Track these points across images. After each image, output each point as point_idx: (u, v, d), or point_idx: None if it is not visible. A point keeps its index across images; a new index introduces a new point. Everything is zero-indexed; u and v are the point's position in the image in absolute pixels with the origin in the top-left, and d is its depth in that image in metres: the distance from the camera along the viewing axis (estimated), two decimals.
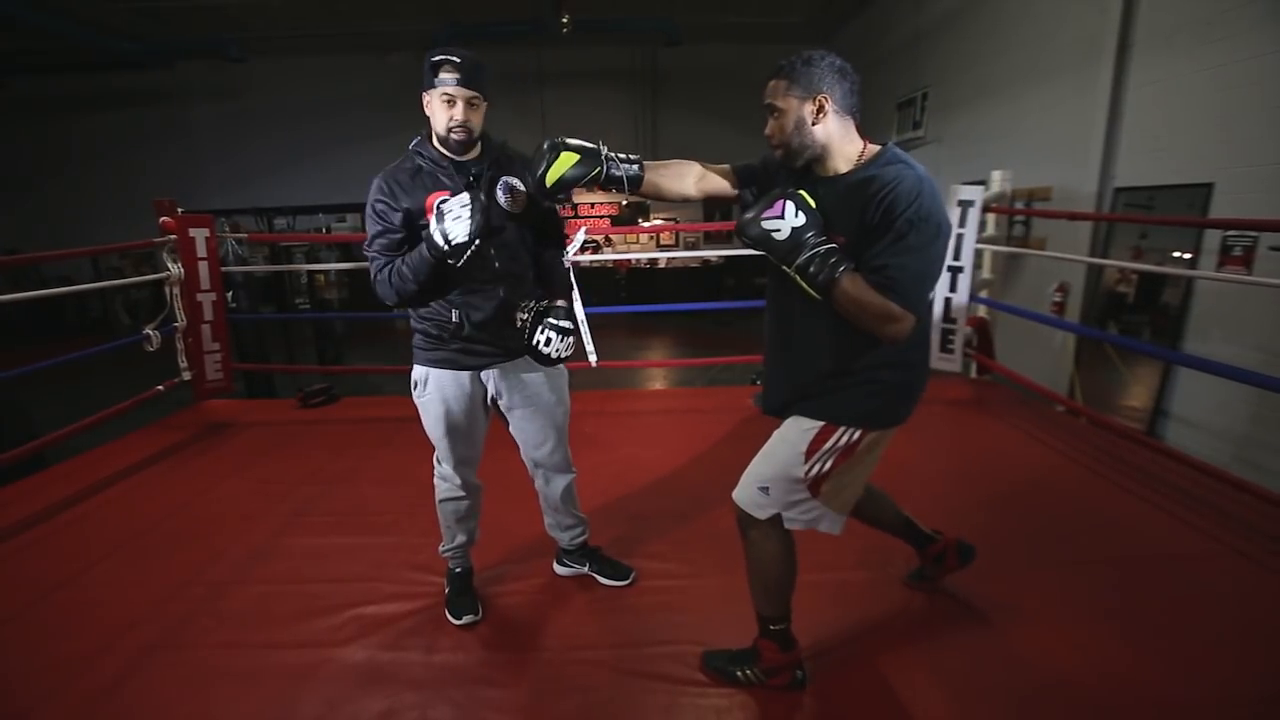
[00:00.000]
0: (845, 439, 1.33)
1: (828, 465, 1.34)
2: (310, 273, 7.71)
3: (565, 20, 7.68)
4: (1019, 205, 4.89)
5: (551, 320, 1.60)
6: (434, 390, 1.64)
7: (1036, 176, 4.87)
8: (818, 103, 1.23)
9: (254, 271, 4.94)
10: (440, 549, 1.84)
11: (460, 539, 1.81)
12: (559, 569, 1.95)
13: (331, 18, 8.68)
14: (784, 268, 1.23)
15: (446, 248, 1.40)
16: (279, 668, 1.59)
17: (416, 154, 1.56)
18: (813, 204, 1.22)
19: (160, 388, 3.26)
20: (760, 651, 1.49)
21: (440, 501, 1.78)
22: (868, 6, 8.39)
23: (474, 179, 1.55)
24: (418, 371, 1.66)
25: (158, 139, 10.48)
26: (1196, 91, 3.73)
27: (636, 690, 1.50)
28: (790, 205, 1.20)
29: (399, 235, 1.52)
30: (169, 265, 3.25)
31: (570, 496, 1.86)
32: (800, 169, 1.32)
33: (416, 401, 1.68)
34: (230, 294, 5.23)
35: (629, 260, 10.19)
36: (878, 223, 1.19)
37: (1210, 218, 3.59)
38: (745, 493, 1.43)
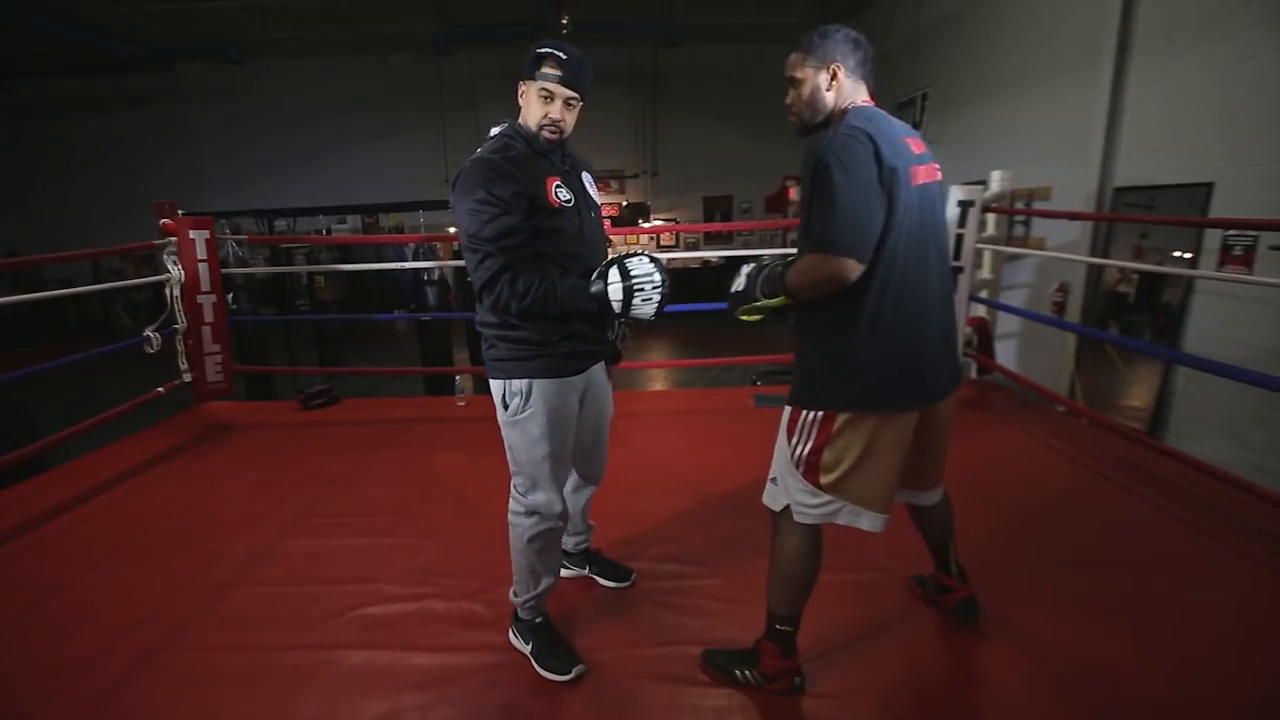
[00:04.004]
0: (811, 419, 1.35)
1: (807, 448, 1.35)
2: (310, 274, 7.72)
3: (565, 22, 7.69)
4: (1019, 205, 4.90)
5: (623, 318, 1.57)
6: (540, 404, 1.46)
7: (1036, 176, 4.87)
8: (831, 70, 1.35)
9: (255, 273, 4.94)
10: (517, 598, 1.61)
11: (546, 582, 1.59)
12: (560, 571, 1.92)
13: (331, 20, 8.68)
14: (758, 303, 1.37)
15: (613, 312, 1.38)
16: (279, 670, 1.58)
17: (508, 138, 1.46)
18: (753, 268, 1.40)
19: (161, 390, 3.27)
20: (761, 654, 1.48)
21: (529, 540, 1.53)
22: (868, 7, 8.40)
23: (567, 167, 1.53)
24: (515, 385, 1.46)
25: (158, 141, 10.50)
26: (1196, 91, 3.72)
27: (638, 691, 1.49)
28: (741, 271, 1.43)
29: (519, 219, 1.38)
30: (169, 267, 3.26)
31: (589, 504, 1.84)
32: (815, 132, 1.38)
33: (509, 421, 1.49)
34: (230, 295, 5.26)
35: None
36: (803, 178, 1.29)
37: (1210, 217, 3.58)
38: (766, 489, 1.48)
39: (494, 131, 1.50)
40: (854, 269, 1.21)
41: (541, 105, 1.42)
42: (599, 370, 1.63)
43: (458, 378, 3.82)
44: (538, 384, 1.47)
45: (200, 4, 8.06)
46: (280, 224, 8.34)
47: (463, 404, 3.54)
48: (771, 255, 1.49)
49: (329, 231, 9.89)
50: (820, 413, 1.33)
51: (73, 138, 10.54)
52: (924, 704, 1.45)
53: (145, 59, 9.09)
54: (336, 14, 8.44)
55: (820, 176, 1.22)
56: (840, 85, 1.36)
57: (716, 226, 10.19)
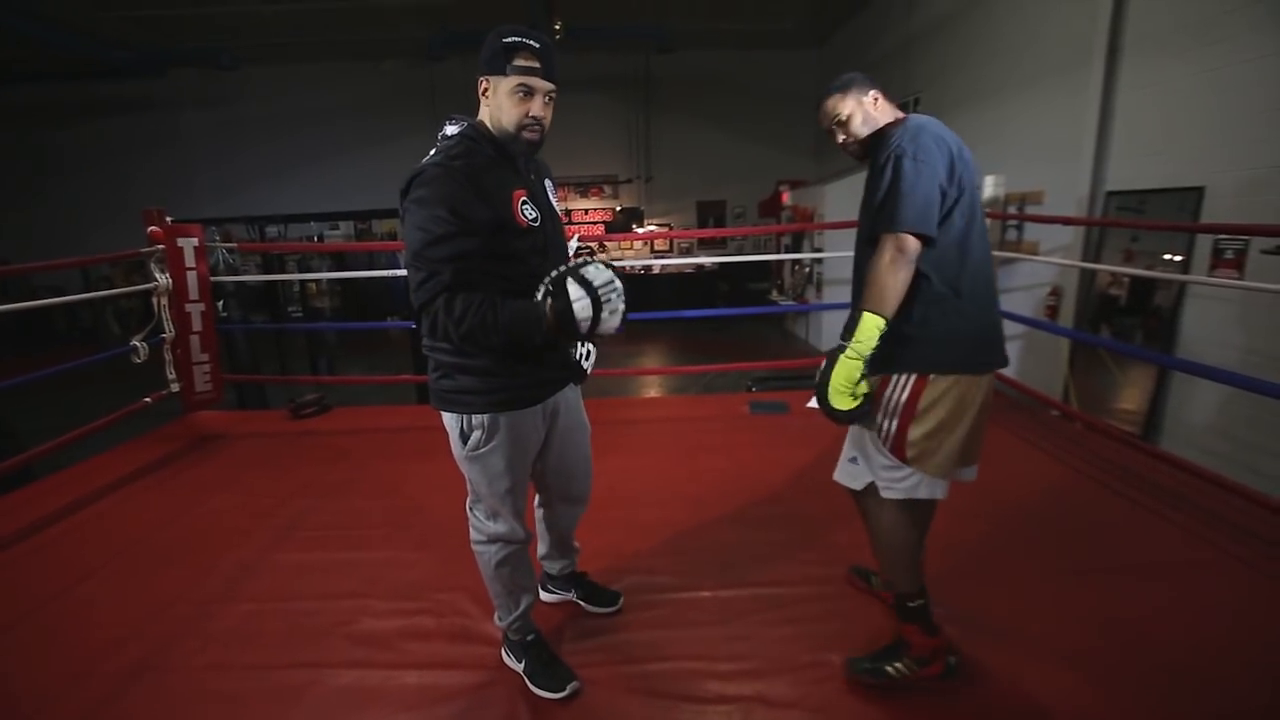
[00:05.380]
0: (902, 386, 1.37)
1: (895, 422, 1.38)
2: (302, 281, 7.66)
3: (558, 28, 7.68)
4: (1012, 209, 4.91)
5: None
6: (502, 439, 1.36)
7: (1028, 180, 4.89)
8: (873, 96, 1.47)
9: (245, 281, 4.90)
10: (502, 622, 1.57)
11: (526, 600, 1.55)
12: (544, 595, 1.83)
13: (324, 26, 8.66)
14: (846, 356, 1.33)
15: (580, 334, 1.23)
16: (266, 690, 1.55)
17: (471, 141, 1.29)
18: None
19: (148, 400, 3.22)
20: (908, 640, 1.48)
21: (497, 566, 1.49)
22: (859, 12, 8.43)
23: (532, 175, 1.40)
24: (475, 420, 1.35)
25: (150, 147, 10.43)
26: (1187, 94, 3.74)
27: (632, 709, 1.47)
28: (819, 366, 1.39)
29: (478, 243, 1.22)
30: (156, 275, 3.21)
31: (574, 527, 1.76)
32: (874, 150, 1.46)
33: (467, 456, 1.39)
34: (221, 303, 5.21)
35: (624, 267, 10.15)
36: (875, 178, 1.38)
37: (1202, 222, 3.59)
38: (840, 469, 1.52)
39: (451, 130, 1.32)
40: (916, 245, 1.30)
41: (519, 103, 1.25)
42: (567, 391, 1.52)
43: None
44: (502, 417, 1.36)
45: (191, 10, 8.03)
46: (272, 230, 8.28)
47: None
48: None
49: (322, 238, 9.85)
50: (912, 377, 1.37)
51: (63, 143, 10.45)
52: (922, 716, 1.43)
53: (136, 65, 9.04)
54: (329, 20, 8.42)
55: (894, 166, 1.32)
56: (883, 105, 1.48)
57: (711, 232, 10.18)
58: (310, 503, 2.53)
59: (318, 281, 7.85)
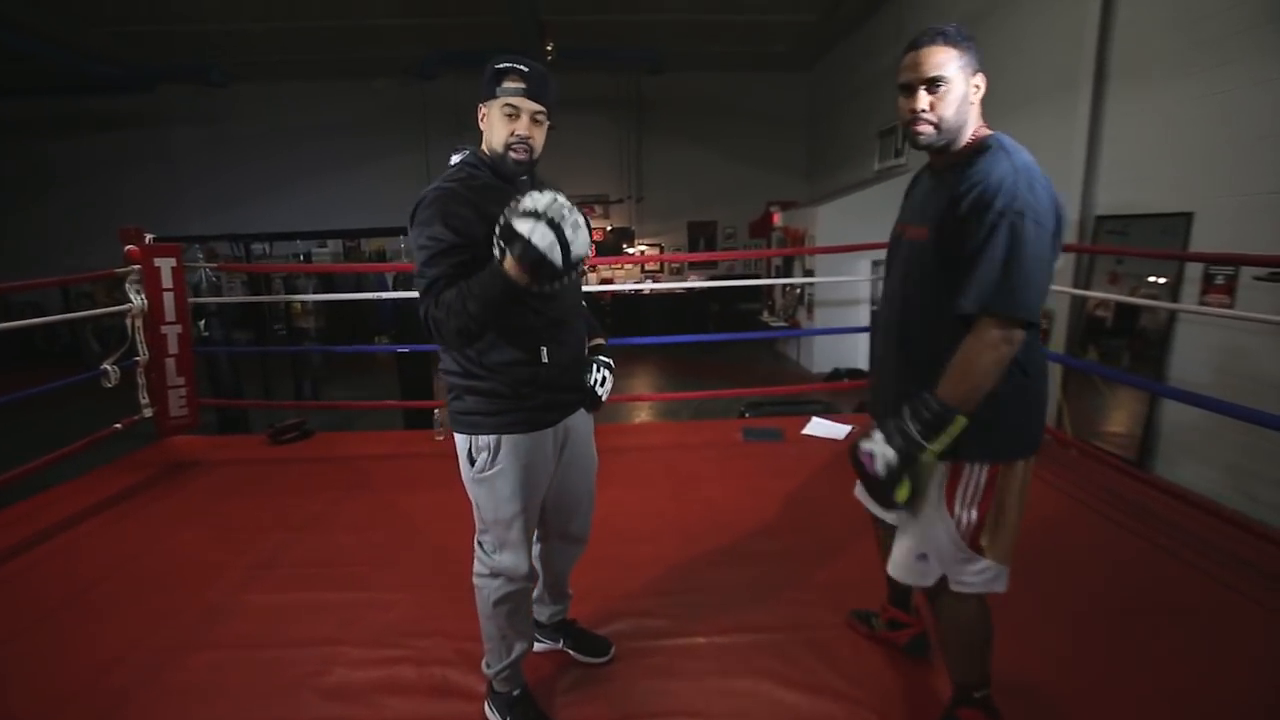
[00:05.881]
0: (977, 475, 1.23)
1: (973, 513, 1.24)
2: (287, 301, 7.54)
3: (550, 48, 7.71)
4: None
5: (602, 358, 1.50)
6: (509, 460, 1.34)
7: None
8: (977, 81, 1.20)
9: (228, 302, 4.80)
10: (489, 669, 1.48)
11: (520, 648, 1.47)
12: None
13: (316, 44, 8.65)
14: (923, 457, 1.17)
15: (558, 265, 1.14)
16: None
17: (472, 167, 1.34)
18: (886, 443, 1.19)
19: (118, 426, 3.09)
20: None
21: (495, 604, 1.42)
22: (848, 36, 8.54)
23: None
24: (483, 440, 1.35)
25: (138, 163, 10.34)
26: (1176, 121, 3.77)
27: None
28: (866, 448, 1.21)
29: (471, 254, 1.25)
30: (131, 297, 3.10)
31: (569, 570, 1.69)
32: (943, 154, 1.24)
33: (475, 478, 1.38)
34: (203, 322, 5.09)
35: (611, 293, 10.10)
36: (966, 219, 1.13)
37: (1191, 251, 3.60)
38: (902, 567, 1.33)
39: (455, 159, 1.38)
40: (1021, 340, 1.13)
41: (507, 123, 1.30)
42: (579, 418, 1.50)
43: (437, 411, 3.69)
44: (508, 439, 1.35)
45: (182, 27, 7.99)
46: (258, 248, 8.17)
47: (440, 438, 3.40)
48: (892, 427, 1.21)
49: (309, 256, 9.74)
50: (986, 466, 1.23)
51: (49, 158, 10.35)
52: None
53: (125, 80, 8.97)
54: (321, 39, 8.41)
55: (1011, 230, 1.09)
56: (977, 101, 1.21)
57: (702, 256, 10.19)
58: (286, 536, 2.41)
59: (301, 301, 7.72)
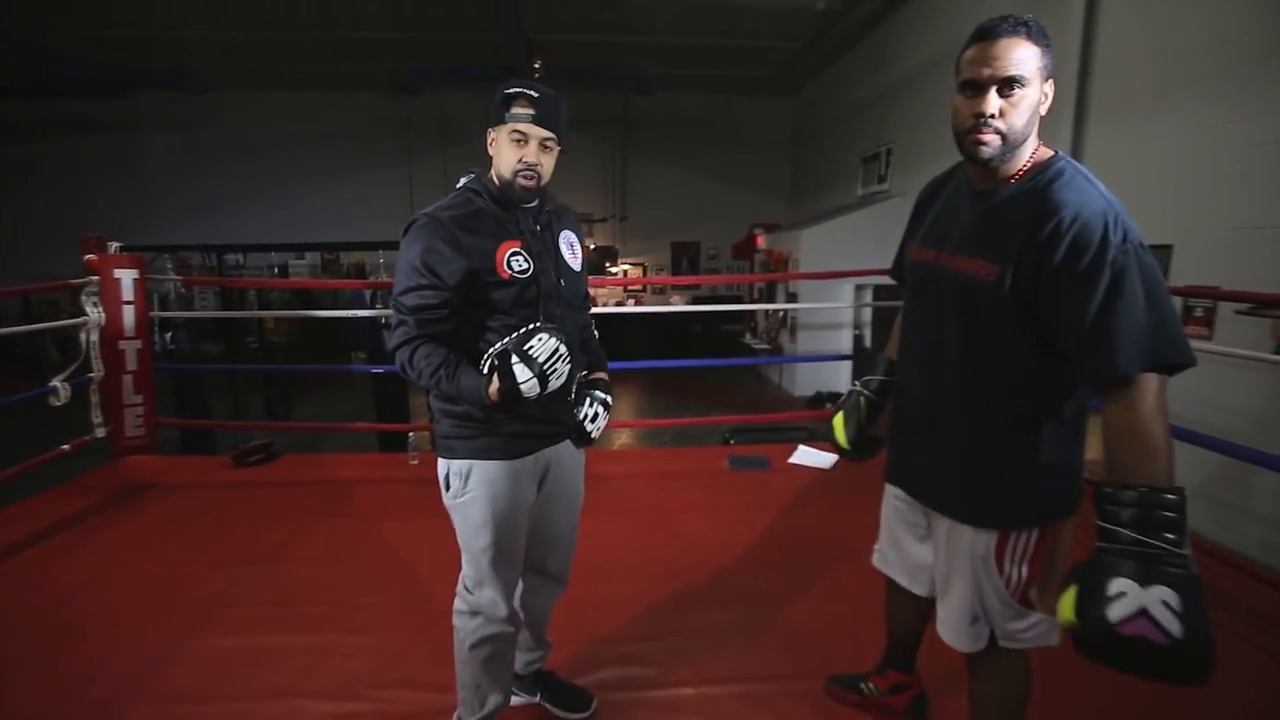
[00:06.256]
0: (1026, 538, 1.12)
1: (1025, 570, 1.13)
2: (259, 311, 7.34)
3: (537, 66, 7.68)
4: None
5: (598, 394, 1.43)
6: (480, 487, 1.31)
7: None
8: (1048, 89, 1.02)
9: (197, 317, 4.61)
10: None
11: (494, 701, 1.41)
12: None
13: (299, 55, 8.53)
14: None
15: (532, 396, 1.19)
16: None
17: (473, 193, 1.31)
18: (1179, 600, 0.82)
19: (66, 447, 2.89)
20: None
21: (472, 647, 1.36)
22: (833, 63, 8.66)
23: (540, 227, 1.35)
24: (455, 466, 1.32)
25: (110, 169, 10.06)
26: (1154, 156, 3.82)
27: None
28: (1145, 612, 0.81)
29: (447, 295, 1.24)
30: (87, 309, 2.94)
31: (549, 612, 1.59)
32: (980, 168, 1.08)
33: (450, 504, 1.36)
34: (169, 335, 4.89)
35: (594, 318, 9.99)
36: (1063, 265, 0.95)
37: (1170, 285, 3.63)
38: (955, 633, 1.22)
39: (461, 182, 1.35)
40: (1164, 388, 0.94)
41: (515, 149, 1.26)
42: (564, 451, 1.42)
43: (412, 434, 3.54)
44: (479, 465, 1.31)
45: (162, 33, 7.82)
46: (231, 259, 7.96)
47: (415, 462, 3.26)
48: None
49: (285, 268, 9.53)
50: (1037, 529, 1.12)
51: (17, 161, 10.01)
52: None
53: (99, 85, 8.74)
54: (304, 48, 8.30)
55: (1138, 262, 0.93)
56: (1042, 113, 1.03)
57: (687, 279, 10.20)
58: (242, 571, 2.25)
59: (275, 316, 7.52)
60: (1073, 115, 4.38)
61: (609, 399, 1.45)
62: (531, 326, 1.22)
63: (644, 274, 11.08)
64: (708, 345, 9.84)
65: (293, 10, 7.26)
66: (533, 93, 1.24)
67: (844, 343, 7.21)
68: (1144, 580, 0.82)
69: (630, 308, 9.98)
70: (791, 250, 7.87)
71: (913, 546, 1.33)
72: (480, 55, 8.30)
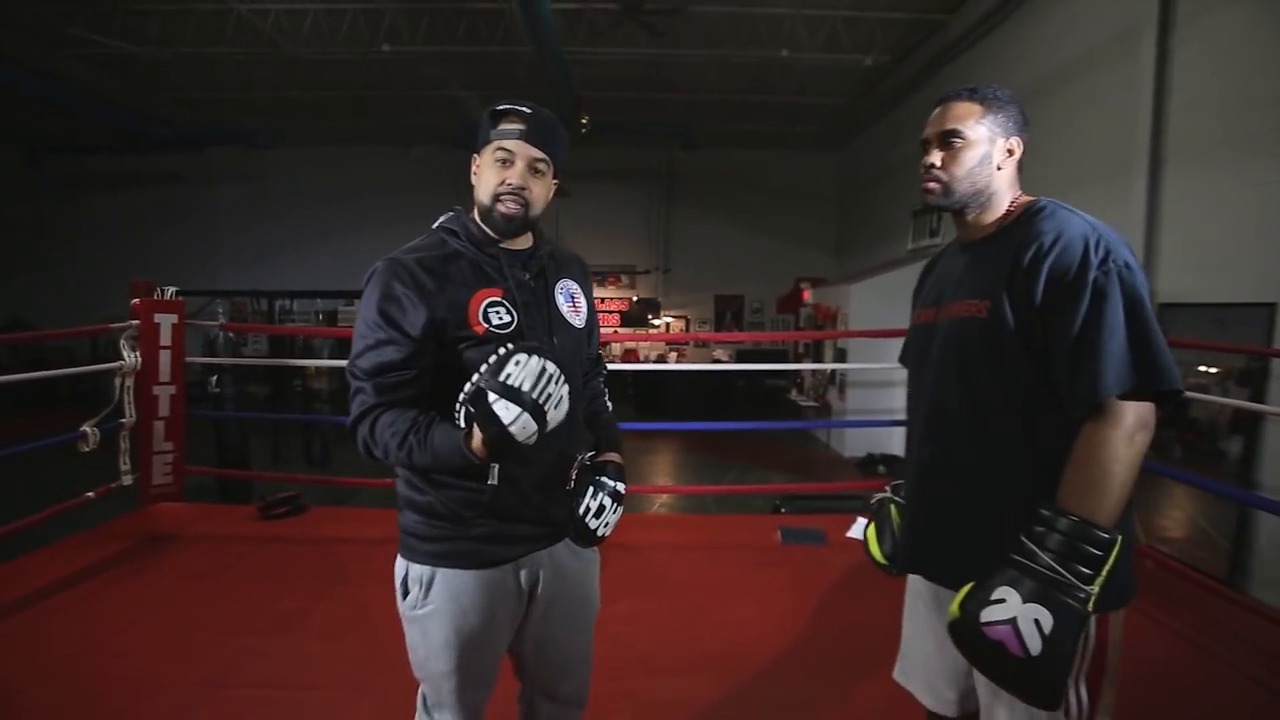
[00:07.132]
0: (1083, 639, 0.91)
1: (1085, 687, 0.94)
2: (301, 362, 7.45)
3: (584, 122, 7.84)
4: None
5: (606, 480, 1.14)
6: (443, 600, 1.06)
7: None
8: (1010, 146, 1.06)
9: (240, 363, 4.64)
10: None
11: None
12: None
13: (356, 112, 8.97)
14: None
15: (529, 437, 0.92)
16: None
17: (448, 233, 1.10)
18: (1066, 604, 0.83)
19: (91, 495, 2.82)
20: None
21: None
22: (881, 118, 8.58)
23: (531, 275, 1.12)
24: (414, 571, 1.08)
25: (180, 218, 10.69)
26: (1244, 208, 3.53)
27: None
28: (1011, 622, 0.83)
29: (410, 350, 1.01)
30: (124, 354, 2.91)
31: None
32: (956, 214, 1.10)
33: (406, 614, 1.10)
34: (214, 378, 4.93)
35: (633, 371, 9.70)
36: (1047, 289, 0.93)
37: (1271, 348, 3.29)
38: None
39: (439, 221, 1.15)
40: (1153, 417, 0.91)
41: (497, 171, 1.05)
42: (565, 553, 1.16)
43: None
44: (443, 573, 1.07)
45: (236, 94, 8.36)
46: (281, 304, 8.21)
47: None
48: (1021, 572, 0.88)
49: (334, 314, 9.76)
50: (1094, 619, 0.93)
51: (102, 210, 10.76)
52: None
53: (178, 142, 9.40)
54: (361, 107, 8.73)
55: (1119, 282, 0.90)
56: (1011, 168, 1.07)
57: (732, 336, 10.01)
58: (250, 643, 2.07)
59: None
60: (1147, 165, 4.12)
61: (621, 487, 1.16)
62: (504, 350, 0.93)
63: (686, 327, 10.94)
64: (752, 400, 9.53)
65: (354, 70, 7.65)
66: (524, 108, 1.05)
67: (896, 400, 6.82)
68: (1028, 597, 0.83)
69: (672, 364, 9.83)
70: (840, 305, 7.62)
71: (936, 651, 1.13)
72: None
